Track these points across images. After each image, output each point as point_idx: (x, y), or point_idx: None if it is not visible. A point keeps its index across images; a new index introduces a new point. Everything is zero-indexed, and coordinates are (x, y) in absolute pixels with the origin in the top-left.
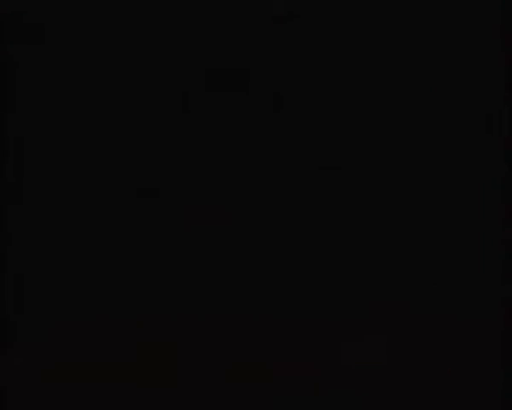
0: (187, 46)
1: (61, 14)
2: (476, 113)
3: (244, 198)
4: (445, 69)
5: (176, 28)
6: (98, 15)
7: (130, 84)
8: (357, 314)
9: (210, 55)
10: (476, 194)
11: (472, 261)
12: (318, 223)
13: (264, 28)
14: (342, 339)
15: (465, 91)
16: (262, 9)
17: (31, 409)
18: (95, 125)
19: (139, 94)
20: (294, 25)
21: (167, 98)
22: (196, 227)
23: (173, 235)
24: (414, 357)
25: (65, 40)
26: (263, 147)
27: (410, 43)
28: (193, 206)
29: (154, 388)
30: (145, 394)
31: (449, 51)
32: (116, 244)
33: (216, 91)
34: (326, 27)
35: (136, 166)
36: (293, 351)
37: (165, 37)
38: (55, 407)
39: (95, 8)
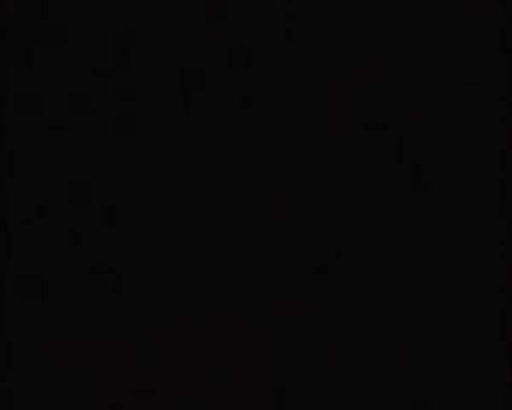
0: (187, 46)
1: (60, 13)
2: (476, 113)
3: (244, 198)
4: (444, 69)
5: (175, 28)
6: (99, 14)
7: (131, 83)
8: (357, 313)
9: (209, 55)
10: (476, 194)
11: (472, 261)
12: (318, 223)
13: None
14: (342, 338)
15: (465, 91)
16: (262, 9)
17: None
18: (95, 124)
19: (139, 93)
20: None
21: (167, 98)
22: (195, 226)
23: (173, 235)
24: (414, 357)
25: (64, 40)
26: (262, 143)
27: (410, 43)
28: (193, 205)
29: (154, 388)
30: (145, 394)
31: (449, 51)
32: (115, 243)
33: (215, 91)
34: (326, 27)
35: (136, 166)
36: (294, 350)
37: (165, 36)
38: (57, 407)
39: (96, 7)
